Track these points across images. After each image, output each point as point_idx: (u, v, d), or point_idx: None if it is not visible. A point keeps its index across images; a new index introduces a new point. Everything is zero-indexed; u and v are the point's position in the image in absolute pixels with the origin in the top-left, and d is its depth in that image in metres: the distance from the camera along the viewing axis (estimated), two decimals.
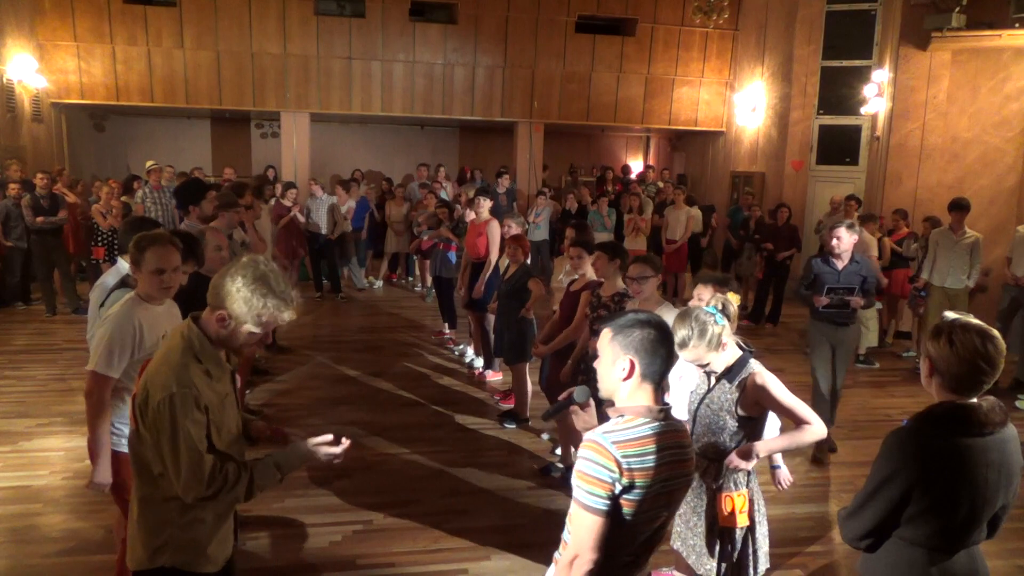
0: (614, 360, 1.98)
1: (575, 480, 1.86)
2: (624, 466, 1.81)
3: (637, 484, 1.82)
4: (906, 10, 10.01)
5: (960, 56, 9.97)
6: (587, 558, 1.81)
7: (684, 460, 1.94)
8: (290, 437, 2.42)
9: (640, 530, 1.88)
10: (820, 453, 5.45)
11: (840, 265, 5.41)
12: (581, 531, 1.83)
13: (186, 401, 2.03)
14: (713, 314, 2.69)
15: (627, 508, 1.83)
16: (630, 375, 1.96)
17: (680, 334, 2.69)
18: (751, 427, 2.75)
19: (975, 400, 2.03)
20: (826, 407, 5.53)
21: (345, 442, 2.32)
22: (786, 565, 4.00)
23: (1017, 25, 9.21)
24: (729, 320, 2.74)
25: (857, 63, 11.18)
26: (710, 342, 2.67)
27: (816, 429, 2.73)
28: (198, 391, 2.06)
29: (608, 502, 1.81)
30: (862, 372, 7.83)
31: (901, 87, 10.20)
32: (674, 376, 3.56)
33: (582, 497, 1.83)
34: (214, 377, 2.14)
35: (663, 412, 1.95)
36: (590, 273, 4.88)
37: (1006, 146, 9.95)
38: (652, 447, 1.86)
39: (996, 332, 2.04)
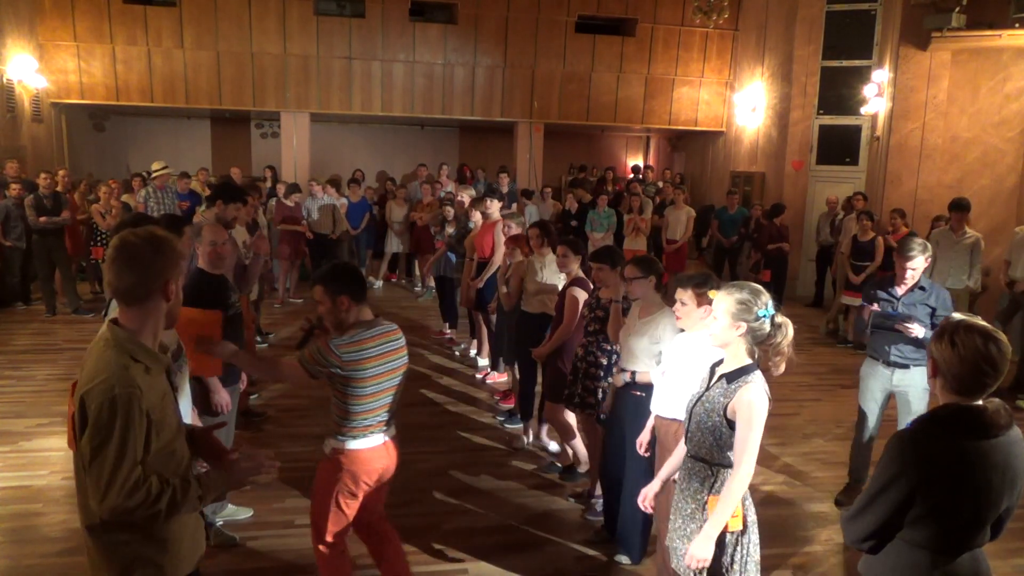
0: (334, 300, 2.86)
1: (308, 357, 2.84)
2: (343, 359, 2.82)
3: (358, 368, 2.84)
4: (906, 10, 10.01)
5: (960, 56, 9.97)
6: (282, 379, 3.10)
7: (395, 349, 3.00)
8: (227, 457, 2.27)
9: (375, 395, 2.91)
10: (843, 496, 4.71)
11: (900, 291, 4.30)
12: (296, 377, 2.90)
13: (130, 403, 1.90)
14: (766, 315, 2.61)
15: (357, 384, 2.86)
16: (349, 306, 2.89)
17: (736, 287, 2.63)
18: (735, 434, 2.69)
19: (980, 402, 2.02)
20: (866, 459, 4.68)
21: (265, 460, 2.24)
22: (786, 565, 4.00)
23: (1017, 25, 9.21)
24: (770, 329, 2.64)
25: (857, 63, 11.18)
26: (738, 312, 2.59)
27: (738, 481, 2.55)
28: (141, 392, 1.93)
29: (316, 374, 2.86)
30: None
31: (901, 87, 10.20)
32: (656, 371, 3.54)
33: (305, 363, 2.85)
34: (153, 373, 2.03)
35: (375, 322, 2.97)
36: (575, 272, 4.88)
37: (1006, 146, 9.95)
38: (369, 345, 2.88)
39: (1001, 334, 2.02)
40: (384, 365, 2.94)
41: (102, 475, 1.91)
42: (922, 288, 4.28)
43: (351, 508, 3.03)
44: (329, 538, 3.05)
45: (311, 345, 2.93)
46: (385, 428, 3.02)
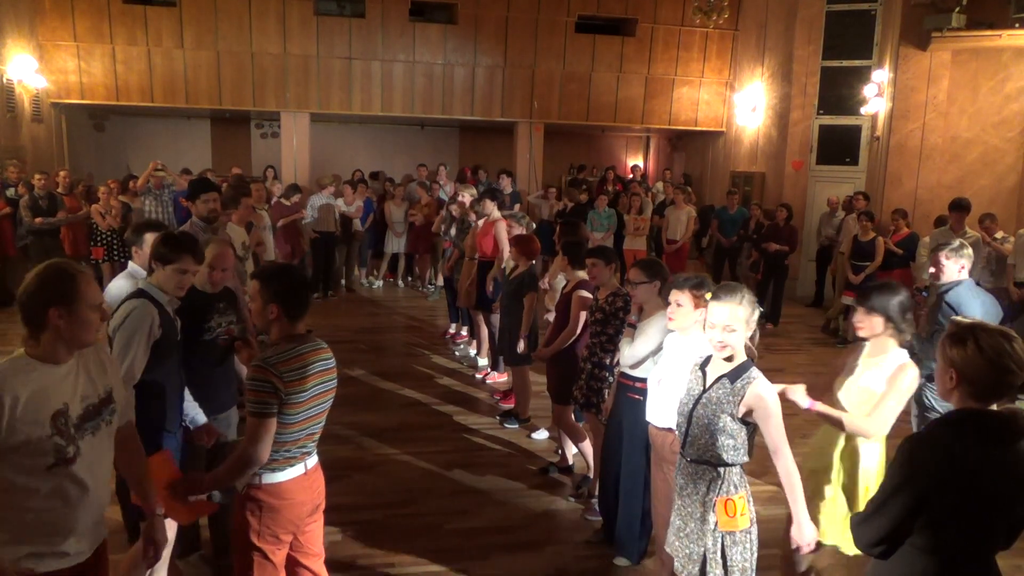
0: (264, 304, 2.52)
1: (250, 398, 2.42)
2: (284, 379, 2.43)
3: (298, 389, 2.47)
4: (906, 10, 10.01)
5: (960, 56, 9.97)
6: (259, 450, 2.41)
7: (329, 368, 2.64)
8: None
9: (306, 421, 2.54)
10: None
11: None
12: (257, 431, 2.41)
13: None
14: (760, 309, 2.77)
15: (291, 409, 2.46)
16: (277, 317, 2.53)
17: (729, 291, 2.69)
18: (750, 430, 2.72)
19: (994, 407, 1.99)
20: None
21: None
22: (784, 565, 3.99)
23: (1017, 25, 9.21)
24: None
25: (857, 63, 11.17)
26: (753, 319, 2.69)
27: (790, 465, 2.74)
28: None
29: (275, 406, 2.43)
30: None
31: (901, 87, 10.20)
32: (653, 379, 3.52)
33: (255, 408, 2.41)
34: None
35: (308, 337, 2.60)
36: (579, 274, 4.85)
37: (1006, 146, 9.95)
38: (310, 360, 2.54)
39: (1013, 332, 1.99)
40: (320, 386, 2.59)
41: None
42: None
43: (277, 555, 2.59)
44: None
45: (244, 383, 2.55)
46: (308, 457, 2.65)
